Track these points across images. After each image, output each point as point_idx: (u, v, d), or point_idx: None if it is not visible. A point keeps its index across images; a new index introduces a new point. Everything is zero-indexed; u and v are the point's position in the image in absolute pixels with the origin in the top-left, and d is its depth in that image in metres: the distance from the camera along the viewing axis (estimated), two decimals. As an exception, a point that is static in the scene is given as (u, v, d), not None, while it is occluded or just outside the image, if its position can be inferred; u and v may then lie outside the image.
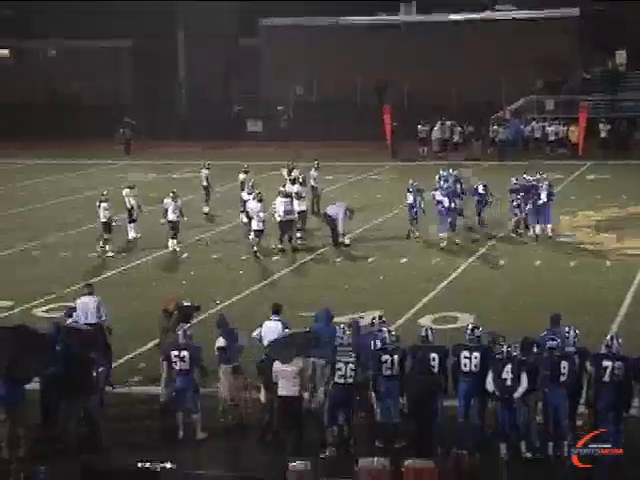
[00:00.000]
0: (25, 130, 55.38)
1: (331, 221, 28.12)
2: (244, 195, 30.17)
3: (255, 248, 26.93)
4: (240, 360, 15.72)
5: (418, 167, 44.79)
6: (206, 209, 33.29)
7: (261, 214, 26.99)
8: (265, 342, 15.78)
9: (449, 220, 27.83)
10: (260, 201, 27.49)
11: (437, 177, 30.29)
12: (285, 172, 32.62)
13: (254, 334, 16.10)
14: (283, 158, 46.03)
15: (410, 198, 28.84)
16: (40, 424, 15.47)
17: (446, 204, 27.75)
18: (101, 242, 27.67)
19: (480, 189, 29.07)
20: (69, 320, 16.41)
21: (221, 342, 15.66)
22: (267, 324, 16.13)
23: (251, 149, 51.51)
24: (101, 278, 23.59)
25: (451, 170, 30.70)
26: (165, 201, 27.92)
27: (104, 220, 27.72)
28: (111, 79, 60.76)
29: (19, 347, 14.65)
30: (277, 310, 16.35)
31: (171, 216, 27.57)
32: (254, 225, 27.07)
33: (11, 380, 14.55)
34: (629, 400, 14.31)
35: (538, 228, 28.51)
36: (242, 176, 32.67)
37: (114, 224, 27.96)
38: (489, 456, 14.31)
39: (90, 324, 17.16)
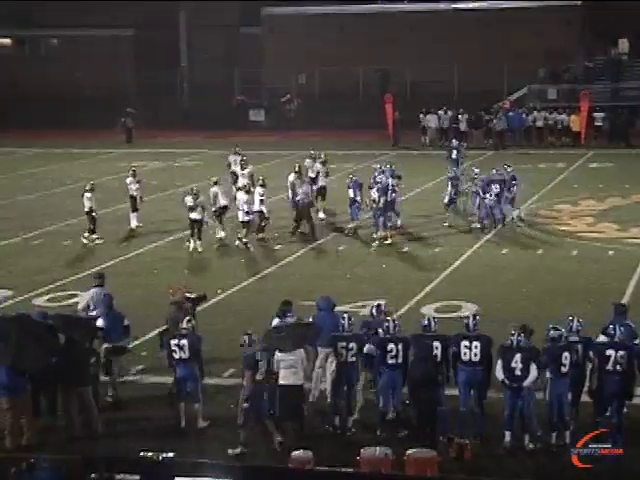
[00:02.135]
0: (26, 119, 55.31)
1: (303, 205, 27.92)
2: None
3: (245, 240, 26.44)
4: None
5: (420, 156, 44.84)
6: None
7: (246, 206, 26.38)
8: None
9: (381, 217, 27.04)
10: (248, 192, 26.97)
11: (374, 172, 29.43)
12: (309, 162, 31.41)
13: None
14: (285, 147, 46.18)
15: (351, 193, 28.04)
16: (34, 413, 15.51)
17: (376, 200, 27.07)
18: (86, 232, 27.56)
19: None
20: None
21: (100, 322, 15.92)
22: (275, 322, 15.95)
23: (253, 138, 51.47)
24: (102, 267, 23.54)
25: (388, 165, 30.02)
26: (185, 199, 26.62)
27: (87, 210, 27.55)
28: (112, 68, 60.66)
29: (24, 337, 14.64)
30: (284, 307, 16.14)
31: (193, 214, 26.20)
32: (240, 216, 26.52)
33: (15, 370, 14.54)
34: (632, 389, 14.32)
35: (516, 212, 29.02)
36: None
37: (95, 214, 27.61)
38: (491, 445, 14.31)
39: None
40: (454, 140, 38.56)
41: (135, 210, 29.35)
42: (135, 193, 29.32)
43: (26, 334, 14.73)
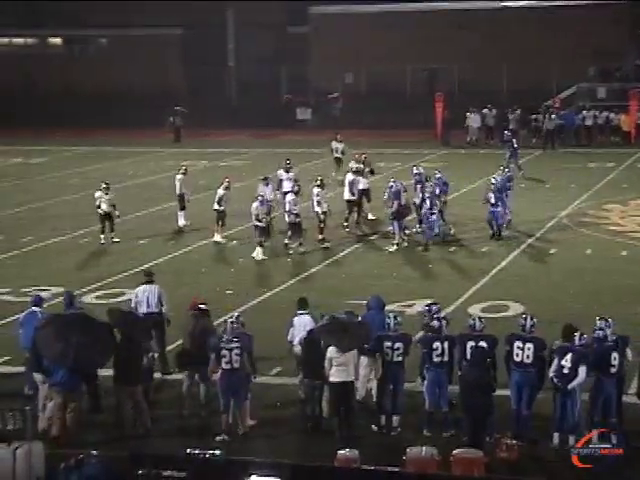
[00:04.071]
0: (75, 118, 55.81)
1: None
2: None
3: (288, 241, 26.17)
4: None
5: (466, 155, 44.66)
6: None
7: (295, 209, 25.95)
8: (296, 339, 15.72)
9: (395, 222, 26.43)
10: (296, 194, 26.54)
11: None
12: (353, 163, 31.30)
13: (289, 337, 15.97)
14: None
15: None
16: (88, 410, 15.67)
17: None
18: (109, 232, 27.53)
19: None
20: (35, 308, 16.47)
21: None
22: (297, 320, 16.02)
23: (300, 137, 51.60)
24: (150, 265, 23.68)
25: (414, 169, 29.01)
26: (253, 205, 25.80)
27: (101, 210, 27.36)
28: (160, 68, 61.05)
29: (84, 336, 14.77)
30: (303, 305, 16.23)
31: (263, 220, 25.53)
32: (287, 218, 26.30)
33: (75, 369, 14.66)
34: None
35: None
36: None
37: (117, 214, 27.57)
38: (539, 446, 14.23)
39: (152, 313, 17.33)
40: (505, 132, 40.49)
41: (183, 208, 29.46)
42: (184, 191, 29.40)
43: (86, 333, 14.86)
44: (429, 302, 16.70)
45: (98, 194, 27.48)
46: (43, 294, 21.79)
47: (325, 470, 12.72)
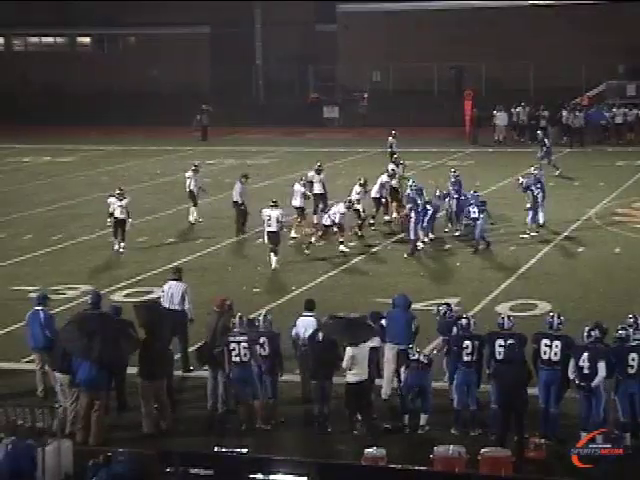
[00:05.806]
0: (104, 117, 56.05)
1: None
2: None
3: (312, 241, 25.95)
4: None
5: (495, 153, 44.50)
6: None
7: (336, 216, 25.67)
8: (300, 337, 15.82)
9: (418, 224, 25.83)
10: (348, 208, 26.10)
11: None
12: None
13: (293, 333, 16.03)
14: (359, 145, 46.19)
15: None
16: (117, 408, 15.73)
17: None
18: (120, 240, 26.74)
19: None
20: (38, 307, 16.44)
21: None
22: (300, 321, 16.10)
23: (327, 135, 51.59)
24: (177, 263, 23.74)
25: (453, 171, 28.81)
26: (275, 212, 24.78)
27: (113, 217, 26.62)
28: (188, 66, 61.20)
29: (109, 333, 14.85)
30: (310, 307, 16.30)
31: (274, 226, 24.46)
32: (323, 220, 26.21)
33: (100, 365, 14.73)
34: None
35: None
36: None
37: (130, 221, 26.73)
38: (567, 445, 14.17)
39: (174, 310, 17.35)
40: (538, 131, 40.38)
41: (195, 205, 29.80)
42: (193, 188, 29.63)
43: (111, 330, 14.94)
44: (439, 304, 16.70)
45: (111, 200, 26.59)
46: (71, 292, 22.08)
47: (352, 468, 12.72)
